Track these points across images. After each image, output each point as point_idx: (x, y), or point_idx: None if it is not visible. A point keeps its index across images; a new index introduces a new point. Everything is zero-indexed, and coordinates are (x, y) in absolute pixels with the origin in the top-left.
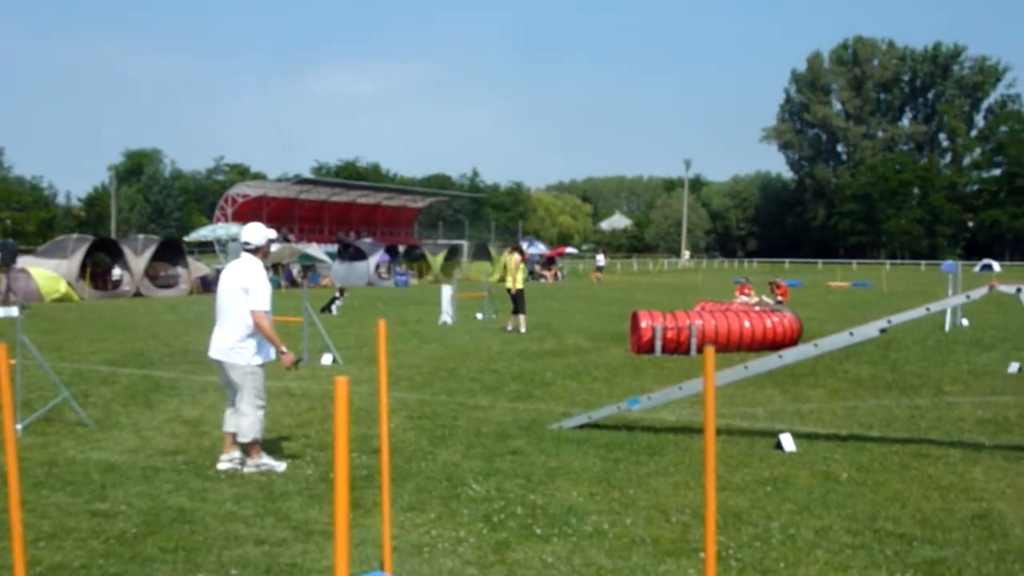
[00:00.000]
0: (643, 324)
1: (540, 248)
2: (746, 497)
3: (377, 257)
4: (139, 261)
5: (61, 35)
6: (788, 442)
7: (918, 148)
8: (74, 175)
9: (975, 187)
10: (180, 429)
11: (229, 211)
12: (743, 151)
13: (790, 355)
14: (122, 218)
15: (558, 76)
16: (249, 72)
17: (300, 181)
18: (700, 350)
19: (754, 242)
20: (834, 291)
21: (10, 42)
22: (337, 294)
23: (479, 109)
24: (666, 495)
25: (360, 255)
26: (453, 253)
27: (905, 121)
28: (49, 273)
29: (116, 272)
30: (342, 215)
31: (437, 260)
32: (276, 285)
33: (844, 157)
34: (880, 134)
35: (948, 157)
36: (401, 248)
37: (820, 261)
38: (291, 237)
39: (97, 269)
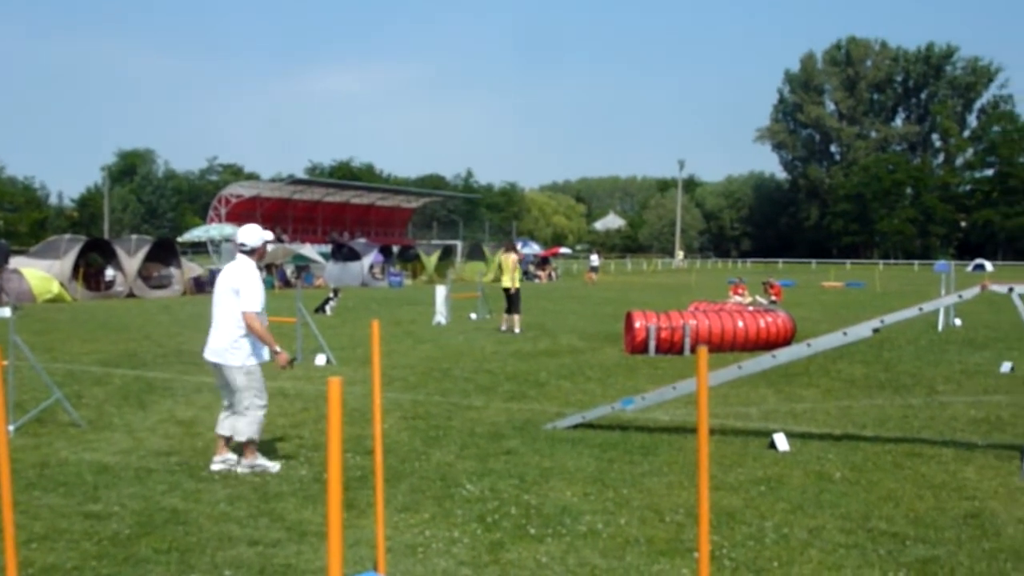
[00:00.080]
0: (637, 324)
1: (534, 248)
2: (740, 497)
3: (371, 257)
4: (132, 262)
5: (53, 35)
6: (782, 442)
7: (911, 148)
8: (67, 175)
9: (968, 187)
10: (173, 430)
11: (223, 211)
12: (737, 151)
13: (783, 355)
14: (115, 218)
15: (552, 77)
16: (242, 72)
17: (294, 181)
18: (694, 350)
19: (748, 242)
20: (827, 291)
21: (2, 43)
22: (331, 294)
23: (473, 109)
24: (660, 495)
25: (354, 255)
26: (447, 253)
27: (898, 121)
28: (42, 274)
29: (109, 273)
30: (336, 215)
31: (431, 260)
32: (270, 285)
33: (837, 157)
34: (873, 134)
35: (941, 157)
36: (395, 248)
37: (813, 261)
38: (285, 237)
39: (90, 270)
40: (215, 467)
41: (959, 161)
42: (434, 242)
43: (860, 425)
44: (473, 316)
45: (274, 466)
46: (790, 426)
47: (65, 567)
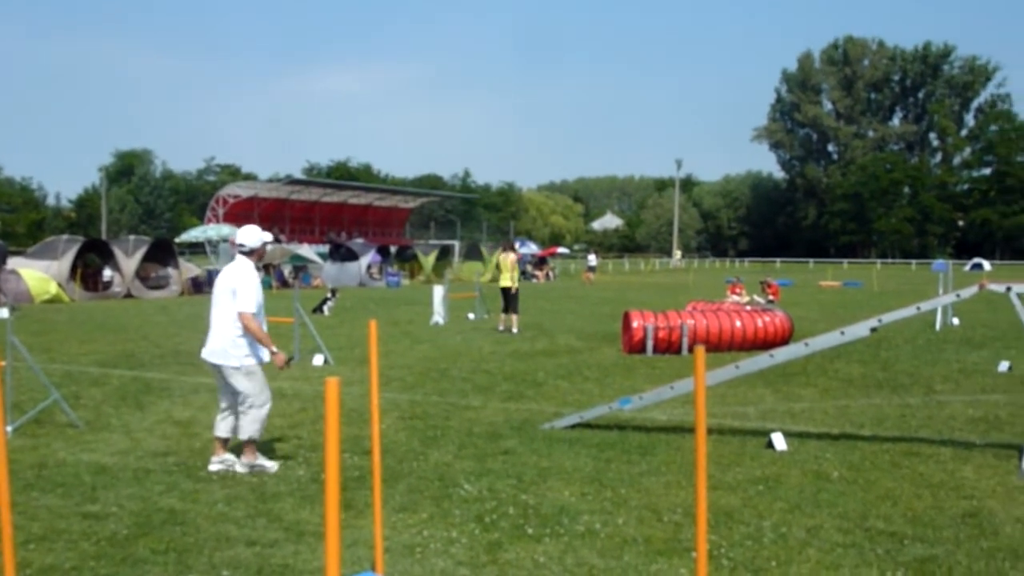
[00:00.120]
0: (635, 324)
1: (532, 248)
2: (737, 496)
3: (368, 257)
4: (130, 262)
5: (51, 35)
6: (779, 441)
7: (908, 148)
8: (64, 176)
9: (965, 186)
10: (171, 430)
11: (220, 212)
12: (734, 151)
13: (781, 354)
14: (113, 219)
15: (549, 77)
16: (239, 73)
17: (291, 181)
18: (691, 350)
19: (745, 242)
20: (825, 290)
21: None
22: (328, 295)
23: (470, 109)
24: (658, 494)
25: (351, 255)
26: (445, 253)
27: (895, 121)
28: (39, 274)
29: (107, 273)
30: (333, 215)
31: (429, 260)
32: (267, 286)
33: (835, 157)
34: (871, 134)
35: (938, 156)
36: (393, 248)
37: (811, 260)
38: (282, 238)
39: (87, 270)
40: (213, 467)
41: (957, 160)
42: (432, 242)
43: (858, 424)
44: (471, 316)
45: (272, 466)
46: (788, 425)
47: (63, 567)
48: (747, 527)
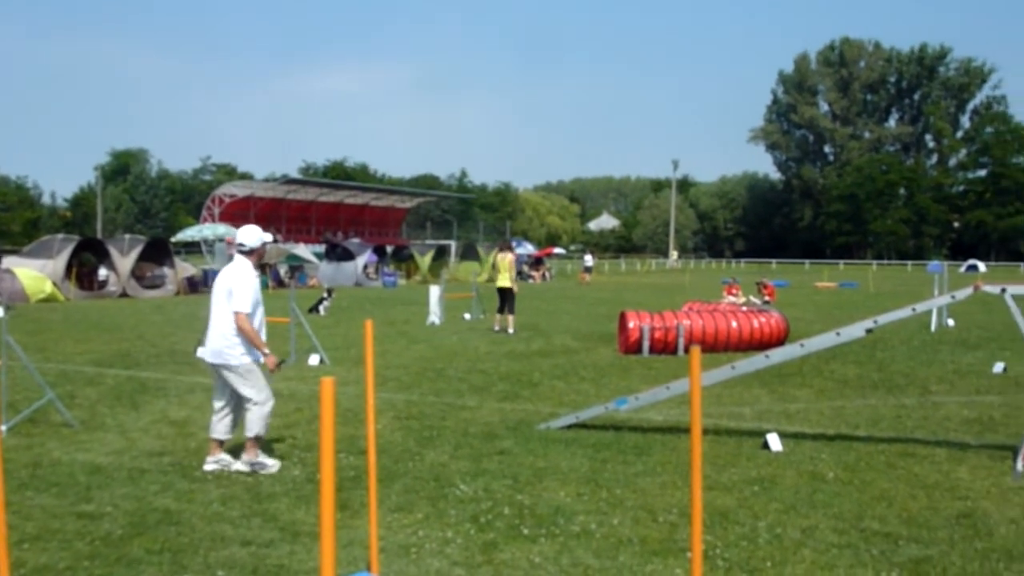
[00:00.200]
0: (631, 324)
1: (528, 248)
2: (733, 497)
3: (365, 257)
4: (125, 261)
5: (46, 35)
6: (775, 442)
7: (904, 149)
8: (60, 175)
9: (961, 188)
10: (166, 430)
11: (216, 211)
12: (731, 152)
13: (777, 355)
14: (108, 218)
15: (545, 77)
16: (235, 72)
17: (288, 181)
18: (687, 350)
19: (742, 242)
20: (821, 291)
21: None
22: (325, 294)
23: (467, 110)
24: (653, 495)
25: (348, 255)
26: (441, 253)
27: (891, 122)
28: (34, 273)
29: (102, 272)
30: (330, 215)
31: (425, 260)
32: (264, 285)
33: (831, 158)
34: (867, 135)
35: (934, 158)
36: (389, 248)
37: (807, 261)
38: (279, 237)
39: (83, 269)
40: (208, 467)
41: (952, 162)
42: (428, 242)
43: (853, 425)
44: (467, 316)
45: (274, 465)
46: (783, 426)
47: (57, 567)
48: (742, 527)
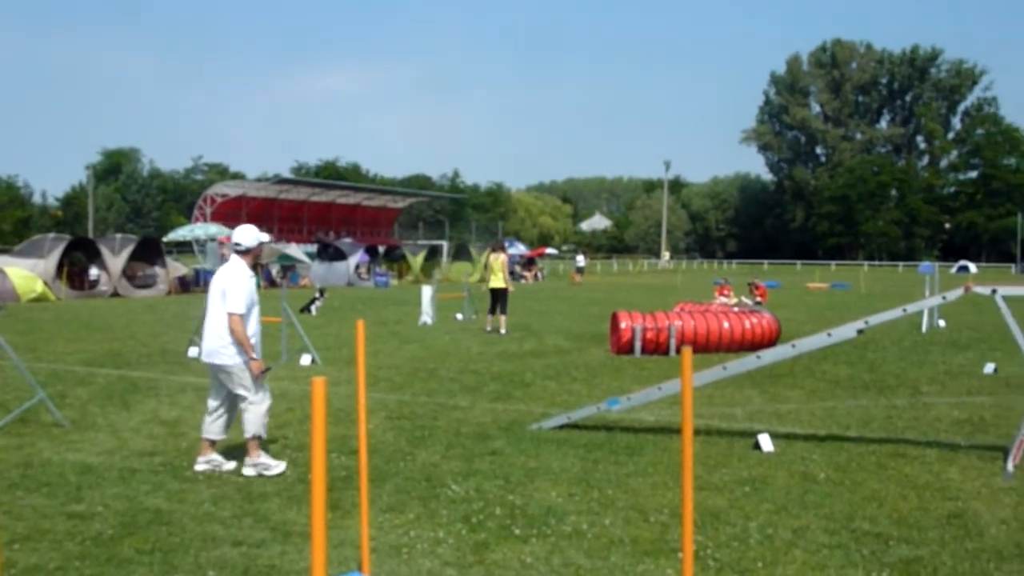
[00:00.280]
0: (623, 325)
1: (520, 249)
2: (724, 497)
3: (357, 257)
4: (117, 261)
5: (38, 35)
6: (766, 442)
7: (896, 150)
8: (51, 174)
9: (952, 189)
10: (157, 430)
11: (208, 211)
12: (723, 153)
13: (768, 356)
14: (99, 217)
15: (538, 78)
16: (228, 72)
17: (280, 181)
18: (679, 351)
19: (733, 243)
20: (812, 292)
21: None
22: (317, 294)
23: (460, 110)
24: (645, 495)
25: (340, 255)
26: (433, 253)
27: (883, 123)
28: (25, 273)
29: (93, 272)
30: (322, 215)
31: (417, 260)
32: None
33: (823, 159)
34: (858, 136)
35: (925, 159)
36: (381, 248)
37: (799, 262)
38: (271, 237)
39: (74, 269)
40: (199, 467)
41: (943, 163)
42: (420, 242)
43: (844, 426)
44: (459, 316)
45: (279, 465)
46: (775, 427)
47: (48, 567)
48: (733, 528)
